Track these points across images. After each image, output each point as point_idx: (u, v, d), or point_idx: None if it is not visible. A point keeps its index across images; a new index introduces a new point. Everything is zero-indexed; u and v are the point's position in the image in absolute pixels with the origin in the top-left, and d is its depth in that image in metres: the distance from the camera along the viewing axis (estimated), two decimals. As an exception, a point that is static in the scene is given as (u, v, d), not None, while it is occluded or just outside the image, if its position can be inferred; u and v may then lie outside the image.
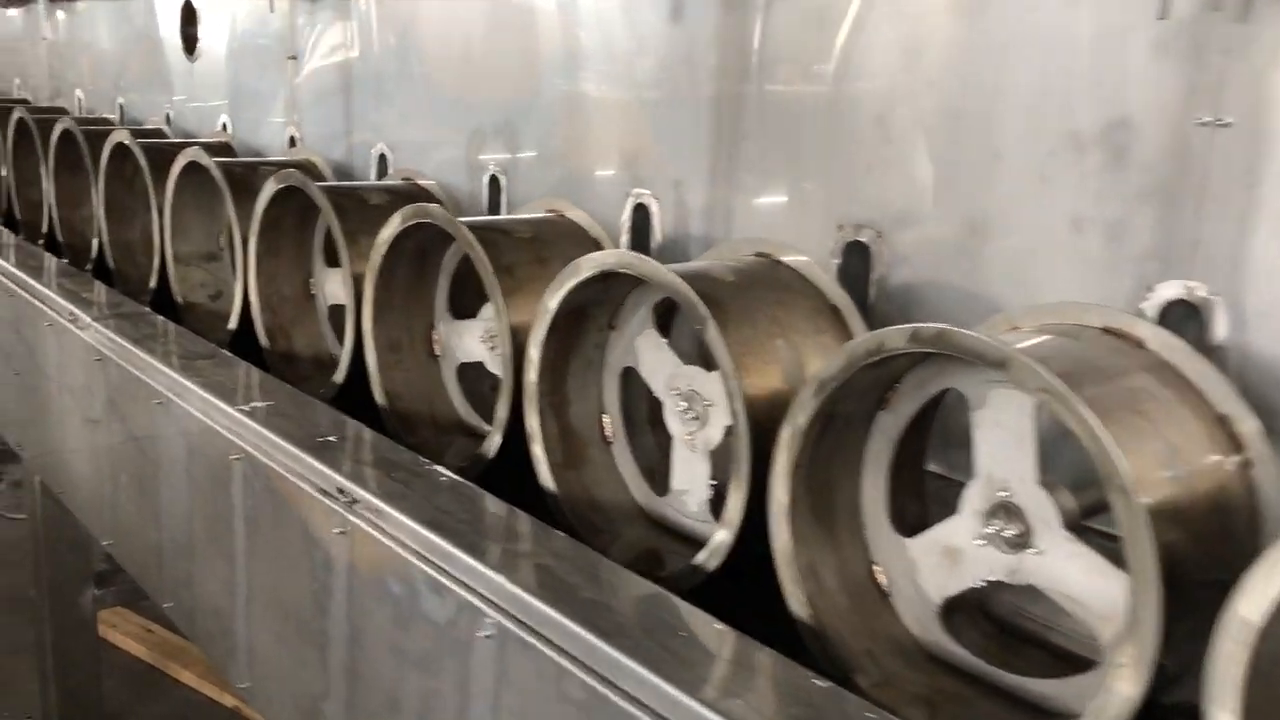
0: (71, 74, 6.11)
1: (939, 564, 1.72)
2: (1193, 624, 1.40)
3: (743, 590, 1.94)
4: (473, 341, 2.69)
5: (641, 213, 2.74)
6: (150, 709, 5.35)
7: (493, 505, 2.05)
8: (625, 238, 2.76)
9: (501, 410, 2.35)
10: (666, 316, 2.35)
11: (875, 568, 1.80)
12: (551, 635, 1.66)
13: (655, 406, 2.31)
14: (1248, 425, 1.60)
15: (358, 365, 2.80)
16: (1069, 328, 1.83)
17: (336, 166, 3.82)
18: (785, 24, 2.37)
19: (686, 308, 2.00)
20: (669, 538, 2.18)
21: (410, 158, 3.54)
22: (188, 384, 2.68)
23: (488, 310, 2.65)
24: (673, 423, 2.15)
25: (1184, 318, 1.79)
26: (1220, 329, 1.75)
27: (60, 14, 6.20)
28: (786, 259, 2.25)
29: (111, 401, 3.16)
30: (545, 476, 2.25)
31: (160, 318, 3.29)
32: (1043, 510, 1.62)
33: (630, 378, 2.34)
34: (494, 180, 3.20)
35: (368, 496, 2.04)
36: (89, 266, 4.26)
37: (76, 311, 3.30)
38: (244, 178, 3.40)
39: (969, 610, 1.78)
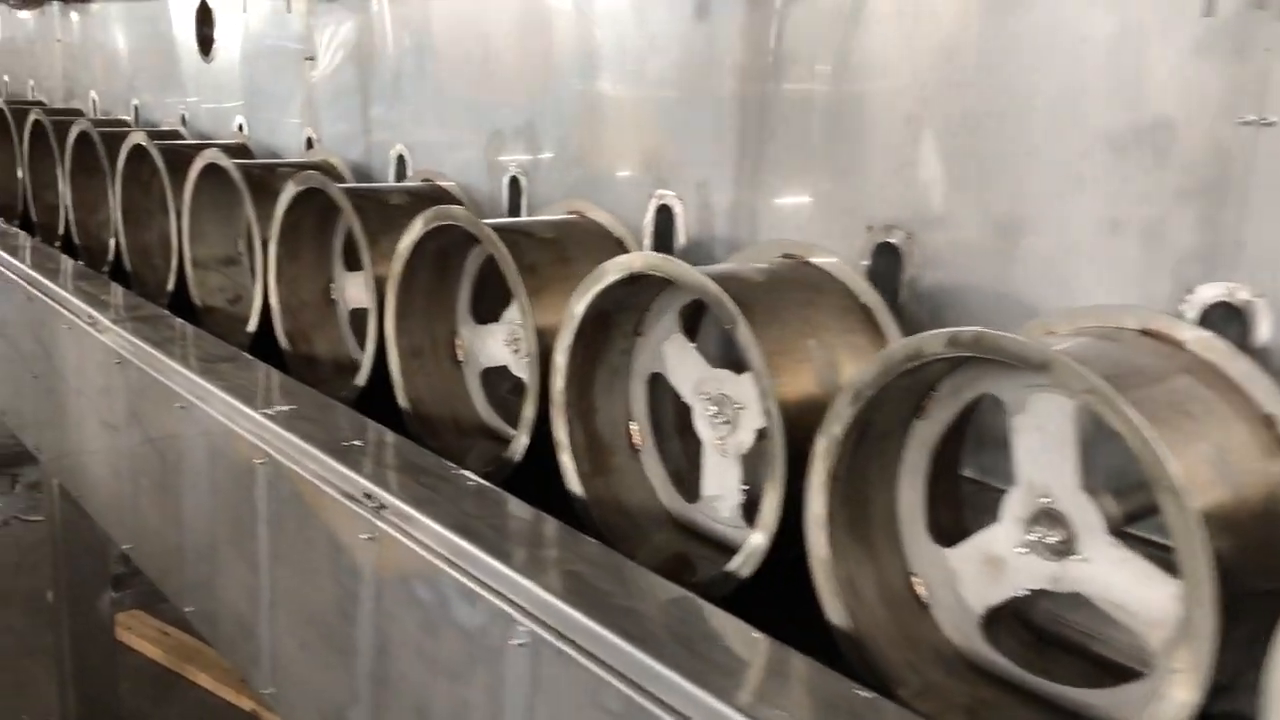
0: (85, 76, 6.11)
1: (980, 573, 1.69)
2: (1242, 632, 1.38)
3: (770, 595, 1.92)
4: (496, 346, 2.67)
5: (665, 214, 2.72)
6: (167, 712, 5.35)
7: (521, 510, 2.03)
8: (648, 240, 2.73)
9: (528, 413, 2.33)
10: (691, 322, 2.33)
11: (914, 579, 1.77)
12: (587, 644, 1.64)
13: (682, 413, 2.29)
14: (1295, 426, 1.58)
15: (379, 368, 2.78)
16: (1107, 330, 1.80)
17: (354, 167, 3.81)
18: (812, 21, 2.34)
19: (716, 308, 1.97)
20: (700, 544, 2.15)
21: (429, 159, 3.52)
22: (210, 387, 2.66)
23: (510, 314, 2.63)
24: (702, 428, 2.13)
25: (1225, 320, 1.76)
26: (1263, 331, 1.71)
27: (74, 16, 6.20)
28: (815, 260, 2.23)
29: (131, 404, 3.15)
30: (574, 485, 2.23)
31: (180, 320, 3.28)
32: (1086, 516, 1.59)
33: (656, 384, 2.32)
34: (514, 181, 3.18)
35: (395, 502, 2.02)
36: (106, 269, 4.25)
37: (95, 314, 3.29)
38: (262, 179, 3.39)
39: (1007, 618, 1.75)
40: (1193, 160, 1.77)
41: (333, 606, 2.25)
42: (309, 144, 4.13)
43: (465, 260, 2.76)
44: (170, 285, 3.77)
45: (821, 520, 1.71)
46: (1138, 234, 1.86)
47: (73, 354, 3.55)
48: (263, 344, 3.25)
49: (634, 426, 2.30)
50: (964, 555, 1.73)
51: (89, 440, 3.57)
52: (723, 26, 2.52)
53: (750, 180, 2.51)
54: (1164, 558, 1.53)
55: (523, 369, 2.56)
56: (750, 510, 2.06)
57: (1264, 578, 1.42)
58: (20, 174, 5.21)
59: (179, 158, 3.79)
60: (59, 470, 4.03)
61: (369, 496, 2.09)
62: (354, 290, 3.20)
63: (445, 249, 2.70)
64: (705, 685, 1.50)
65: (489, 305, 2.76)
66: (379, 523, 2.06)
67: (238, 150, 3.97)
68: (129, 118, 5.48)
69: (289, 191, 3.07)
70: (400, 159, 3.66)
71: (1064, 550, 1.60)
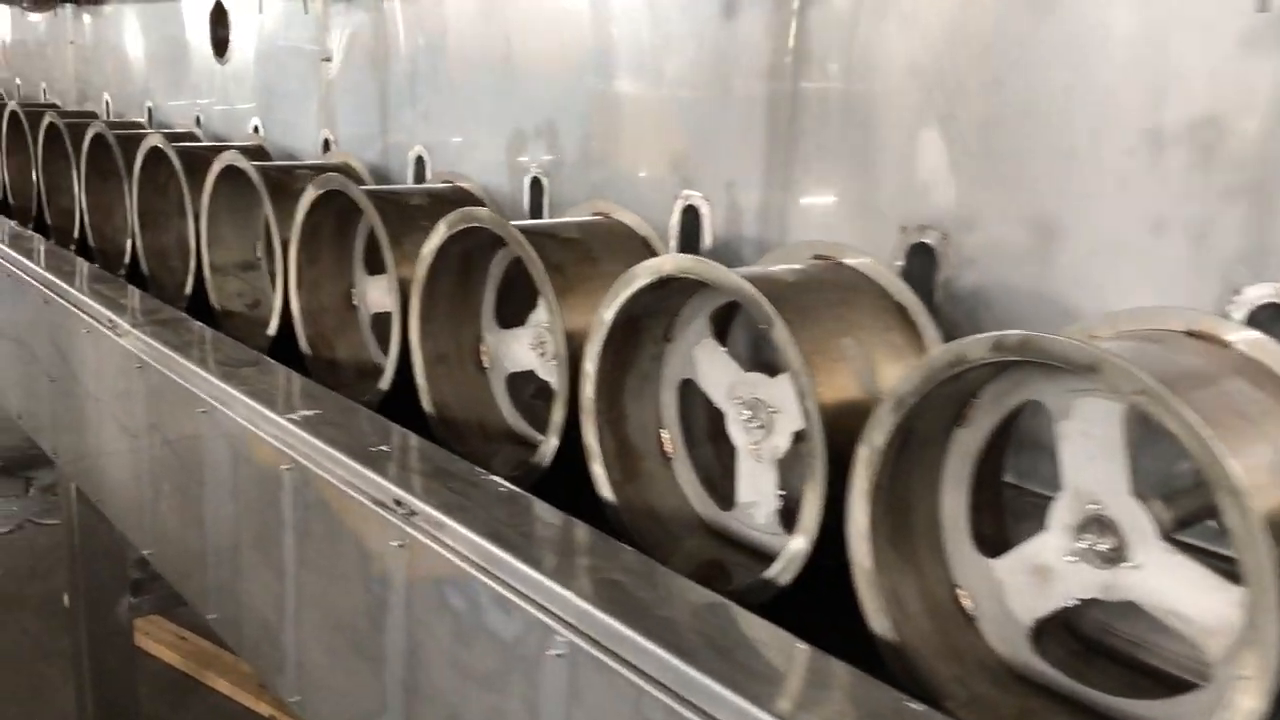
0: (98, 78, 6.09)
1: (1028, 584, 1.65)
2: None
3: (807, 602, 1.89)
4: (522, 350, 2.63)
5: (691, 215, 2.69)
6: (185, 717, 5.33)
7: (554, 517, 2.00)
8: (674, 242, 2.70)
9: (557, 417, 2.30)
10: (720, 327, 2.29)
11: (959, 591, 1.73)
12: (627, 654, 1.61)
13: (714, 419, 2.25)
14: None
15: (402, 372, 2.76)
16: (1151, 333, 1.77)
17: (372, 169, 3.78)
18: (842, 19, 2.31)
19: (752, 308, 1.94)
20: (735, 551, 2.12)
21: (448, 159, 3.50)
22: (233, 392, 2.64)
23: (536, 317, 2.60)
24: (736, 433, 2.09)
25: (1274, 321, 1.73)
26: (1315, 333, 1.68)
27: (86, 18, 6.18)
28: (848, 261, 2.20)
29: (152, 409, 3.12)
30: (605, 492, 2.20)
31: (200, 324, 3.25)
32: (1137, 522, 1.56)
33: (687, 390, 2.29)
34: (536, 182, 3.15)
35: (427, 509, 1.99)
36: (122, 272, 4.23)
37: (115, 318, 3.26)
38: (280, 181, 3.36)
39: (1055, 628, 1.71)
40: (1241, 158, 1.74)
41: (361, 613, 2.22)
42: (326, 145, 4.11)
43: (489, 264, 2.73)
44: (188, 288, 3.75)
45: (865, 531, 1.68)
46: (1182, 234, 1.83)
47: (91, 358, 3.53)
48: (282, 346, 3.23)
49: (665, 434, 2.27)
50: (1011, 566, 1.69)
51: (108, 444, 3.55)
52: (751, 24, 2.49)
53: (780, 180, 2.48)
54: (1219, 564, 1.50)
55: (549, 373, 2.53)
56: (787, 517, 2.03)
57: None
58: (35, 176, 5.18)
59: (196, 160, 3.76)
60: (77, 474, 4.01)
61: (399, 503, 2.06)
62: (375, 294, 3.18)
63: (469, 252, 2.67)
64: (750, 696, 1.47)
65: (513, 309, 2.73)
66: (410, 529, 2.03)
67: (254, 152, 3.95)
68: (143, 120, 5.46)
69: (310, 194, 3.04)
70: (419, 160, 3.63)
71: (1115, 558, 1.56)
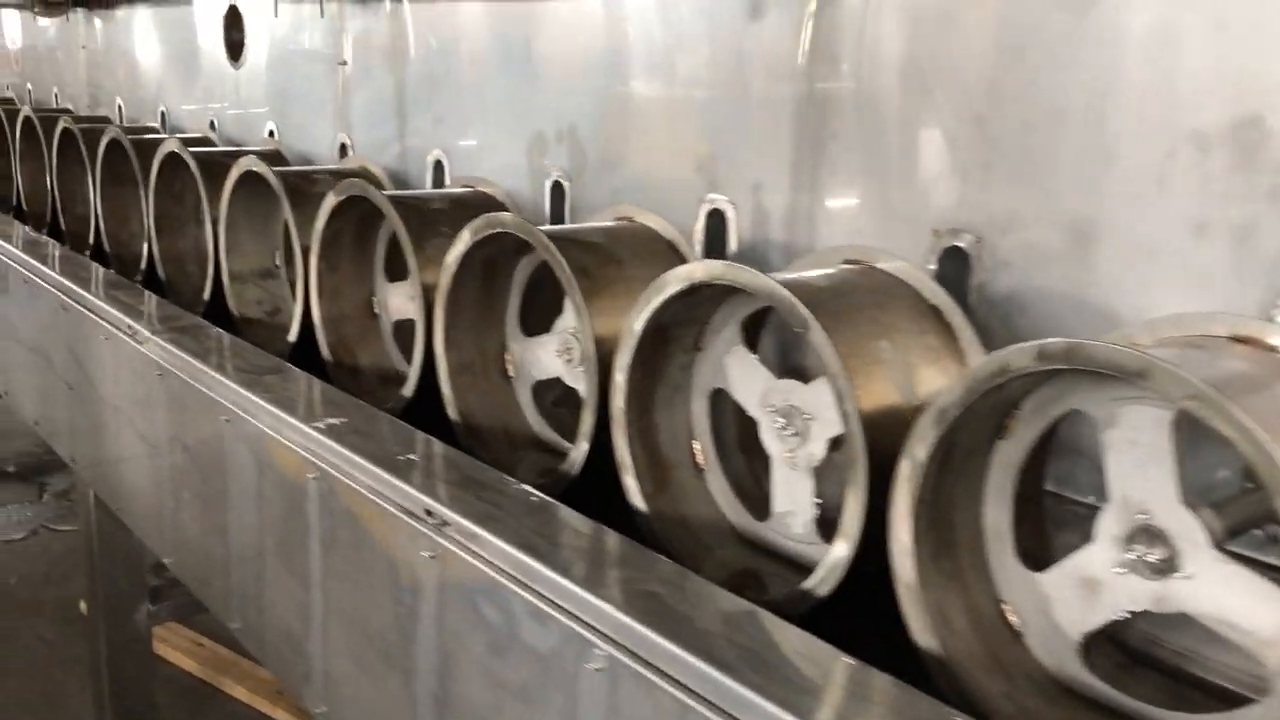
0: (110, 82, 6.08)
1: (1075, 597, 1.62)
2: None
3: (842, 612, 1.87)
4: (548, 357, 2.61)
5: (716, 219, 2.66)
6: (204, 725, 5.33)
7: (587, 527, 1.98)
8: (699, 247, 2.67)
9: (586, 424, 2.27)
10: (749, 335, 2.27)
11: (1004, 606, 1.71)
12: (668, 668, 1.58)
13: (745, 429, 2.23)
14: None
15: (425, 378, 2.74)
16: (1194, 338, 1.74)
17: (390, 173, 3.76)
18: (873, 19, 2.28)
19: (786, 312, 1.91)
20: (771, 562, 2.09)
21: (467, 163, 3.48)
22: (257, 400, 2.62)
23: (562, 323, 2.58)
24: (771, 442, 2.07)
25: (1321, 326, 1.70)
26: (1364, 337, 1.65)
27: (98, 22, 6.17)
28: (880, 265, 2.17)
29: (173, 416, 3.10)
30: (637, 503, 2.17)
31: (220, 331, 3.23)
32: (1189, 531, 1.53)
33: (717, 399, 2.26)
34: (557, 186, 3.12)
35: (459, 519, 1.97)
36: (138, 278, 4.21)
37: (135, 325, 3.25)
38: (299, 187, 3.34)
39: (1100, 640, 1.68)
40: (1287, 159, 1.71)
41: (390, 624, 2.20)
42: (342, 150, 4.09)
43: (513, 270, 2.70)
44: (206, 294, 3.73)
45: (908, 547, 1.65)
46: (1226, 237, 1.80)
47: (111, 364, 3.51)
48: (302, 352, 3.21)
49: (697, 445, 2.24)
50: (1057, 579, 1.66)
51: (127, 451, 3.53)
52: (778, 25, 2.46)
53: (808, 183, 2.45)
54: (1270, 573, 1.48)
55: (576, 379, 2.51)
56: (824, 526, 2.01)
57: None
58: (50, 182, 5.17)
59: (213, 166, 3.75)
60: (95, 481, 3.99)
61: (429, 513, 2.04)
62: (397, 300, 3.15)
63: (493, 259, 2.65)
64: (795, 711, 1.45)
65: (536, 317, 2.71)
66: (441, 540, 2.00)
67: (271, 157, 3.93)
68: (156, 124, 5.44)
69: (331, 200, 3.02)
70: (438, 164, 3.61)
71: (1166, 568, 1.54)
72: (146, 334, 3.17)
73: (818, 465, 2.01)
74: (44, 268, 4.09)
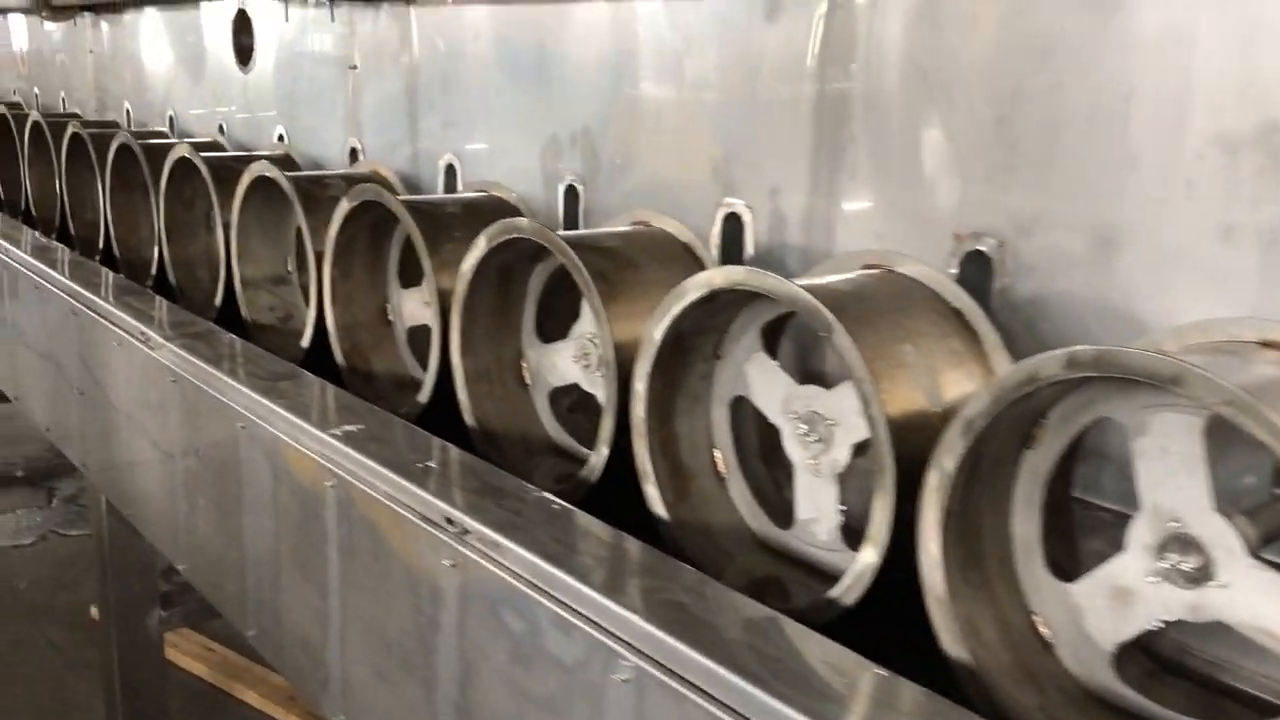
0: (117, 87, 6.07)
1: (1108, 608, 1.61)
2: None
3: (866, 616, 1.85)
4: (565, 363, 2.59)
5: (733, 223, 2.65)
6: (218, 730, 5.32)
7: (609, 536, 1.97)
8: (715, 250, 2.66)
9: (606, 430, 2.26)
10: (767, 342, 2.26)
11: (1035, 617, 1.69)
12: (697, 679, 1.57)
13: (765, 436, 2.22)
14: None
15: (441, 384, 2.72)
16: (1223, 344, 1.73)
17: (401, 177, 3.75)
18: (891, 20, 2.27)
19: (808, 317, 1.90)
20: (795, 570, 2.08)
21: (480, 168, 3.46)
22: (273, 406, 2.60)
23: (579, 329, 2.56)
24: (793, 449, 2.05)
25: (1352, 331, 1.68)
26: (1397, 342, 1.64)
27: (104, 26, 6.16)
28: (901, 269, 2.16)
29: (187, 423, 3.09)
30: (659, 511, 2.16)
31: (234, 336, 3.22)
32: (1223, 538, 1.51)
33: (737, 407, 2.24)
34: (571, 190, 3.11)
35: (480, 528, 1.96)
36: (149, 283, 4.20)
37: (148, 331, 3.23)
38: (311, 192, 3.33)
39: (1131, 649, 1.67)
40: (1317, 163, 1.70)
41: (410, 633, 2.18)
42: (353, 153, 4.08)
43: (529, 277, 2.69)
44: (218, 299, 3.72)
45: (938, 559, 1.63)
46: (1254, 242, 1.78)
47: (123, 370, 3.50)
48: (315, 356, 3.20)
49: (718, 454, 2.22)
50: (1089, 589, 1.64)
51: (139, 457, 3.52)
52: (795, 26, 2.45)
53: (826, 187, 2.44)
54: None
55: (594, 385, 2.50)
56: (849, 533, 1.99)
57: None
58: (59, 187, 5.16)
59: (225, 171, 3.74)
60: (107, 487, 3.98)
61: (451, 522, 2.03)
62: (411, 306, 3.14)
63: (508, 265, 2.63)
64: (828, 724, 1.44)
65: (551, 324, 2.69)
66: (462, 549, 1.99)
67: (282, 161, 3.92)
68: (165, 129, 5.43)
69: (344, 206, 3.01)
70: (450, 168, 3.60)
71: (1201, 577, 1.52)
72: (160, 340, 3.16)
73: (841, 471, 2.00)
74: (55, 273, 4.08)
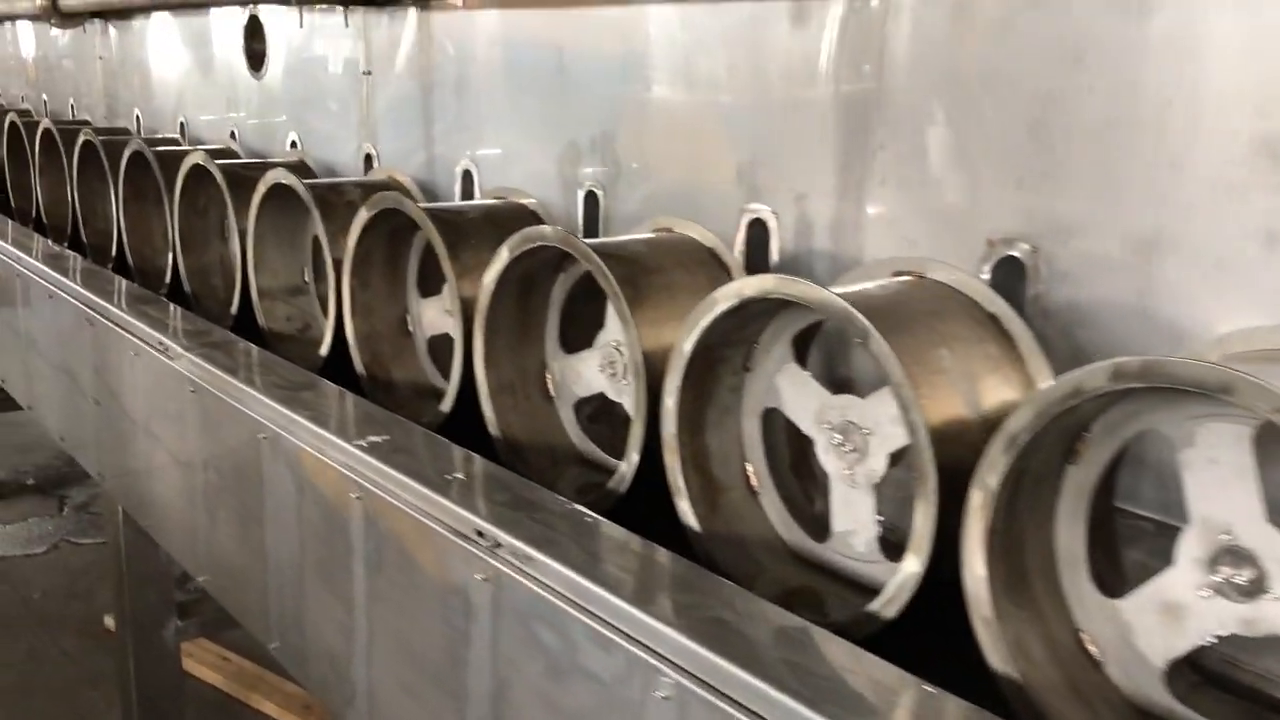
0: (127, 93, 6.05)
1: (1158, 624, 1.57)
2: None
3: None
4: (591, 372, 2.56)
5: (758, 229, 2.62)
6: (233, 740, 5.30)
7: (644, 549, 1.94)
8: (739, 254, 2.63)
9: (635, 437, 2.23)
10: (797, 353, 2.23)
11: (1083, 635, 1.66)
12: (740, 696, 1.54)
13: (796, 448, 2.19)
14: None
15: (463, 392, 2.70)
16: (1268, 352, 1.70)
17: (417, 184, 3.72)
18: (922, 23, 2.24)
19: (843, 323, 1.87)
20: (831, 582, 2.05)
21: (497, 174, 3.44)
22: (295, 417, 2.58)
23: (604, 337, 2.53)
24: (828, 459, 2.02)
25: (1401, 337, 1.66)
26: None
27: (114, 32, 6.14)
28: (932, 275, 2.13)
29: (207, 433, 3.07)
30: (692, 526, 2.13)
31: (253, 346, 3.20)
32: (1277, 550, 1.48)
33: (768, 420, 2.22)
34: (591, 196, 3.08)
35: (513, 541, 1.93)
36: (162, 292, 4.18)
37: (166, 341, 3.21)
38: (328, 200, 3.31)
39: (1180, 666, 1.64)
40: (1365, 167, 1.67)
41: (441, 648, 2.16)
42: (367, 160, 4.06)
43: (551, 287, 2.66)
44: (234, 308, 3.70)
45: (984, 578, 1.60)
46: (1299, 246, 1.76)
47: (141, 380, 3.48)
48: (333, 363, 3.18)
49: (750, 468, 2.20)
50: (1138, 605, 1.61)
51: (158, 468, 3.50)
52: (822, 29, 2.42)
53: (854, 192, 2.41)
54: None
55: (621, 393, 2.47)
56: (887, 543, 1.97)
57: None
58: (70, 195, 5.14)
59: (240, 178, 3.71)
60: (124, 497, 3.96)
61: (482, 535, 2.00)
62: (430, 315, 3.11)
63: (530, 274, 2.60)
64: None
65: (573, 335, 2.67)
66: (494, 562, 1.97)
67: (297, 168, 3.89)
68: (176, 135, 5.41)
69: (364, 215, 2.98)
70: (466, 174, 3.57)
71: (1255, 590, 1.49)
72: (179, 350, 3.14)
73: (878, 481, 1.97)
74: (71, 283, 4.06)
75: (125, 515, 4.07)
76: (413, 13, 3.71)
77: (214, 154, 4.04)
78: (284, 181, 3.36)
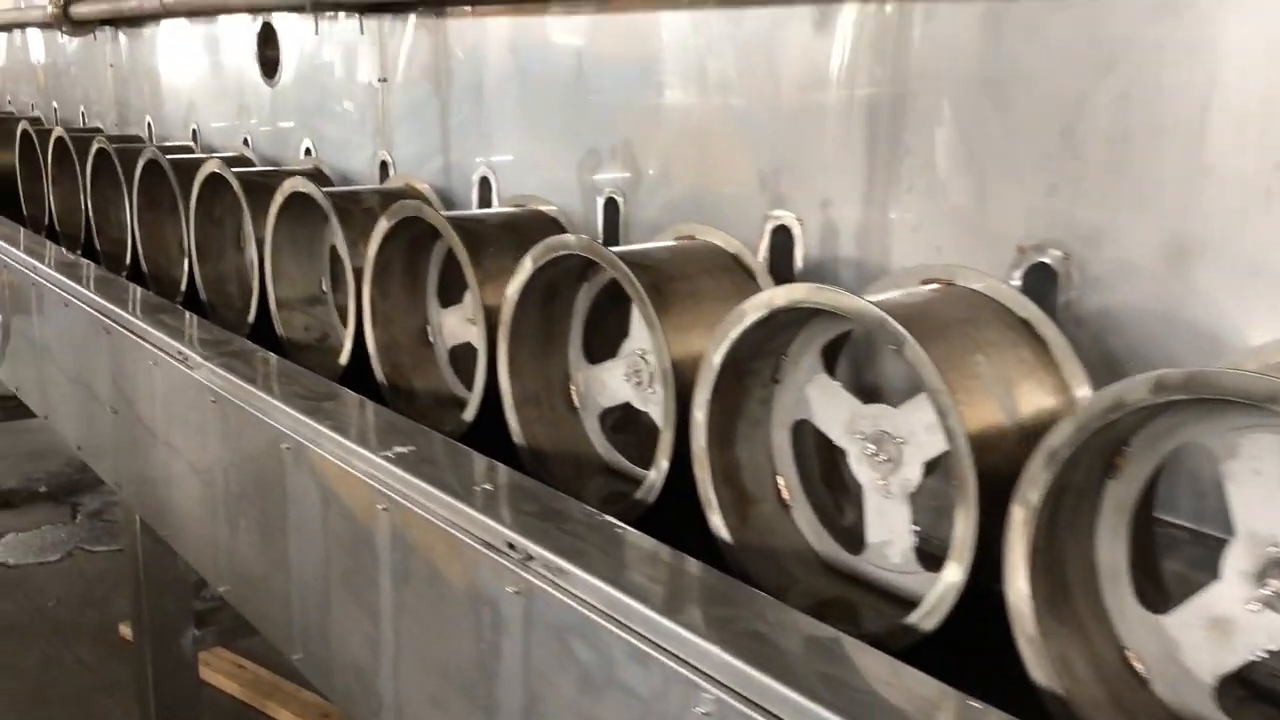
0: (138, 100, 6.05)
1: (1206, 639, 1.55)
2: None
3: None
4: (616, 382, 2.54)
5: (782, 236, 2.61)
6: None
7: (677, 561, 1.92)
8: (762, 257, 2.62)
9: (665, 445, 2.22)
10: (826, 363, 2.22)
11: (1127, 652, 1.64)
12: (784, 713, 1.52)
13: (826, 459, 2.18)
14: None
15: (487, 401, 2.69)
16: (1309, 361, 1.68)
17: (433, 191, 3.71)
18: (950, 27, 2.23)
19: (876, 330, 1.86)
20: (866, 593, 2.03)
21: (515, 181, 3.43)
22: (319, 427, 2.57)
23: (629, 346, 2.52)
24: (861, 470, 2.01)
25: None
26: None
27: (125, 40, 6.14)
28: (963, 282, 2.12)
29: (228, 443, 3.06)
30: (724, 538, 2.12)
31: (273, 355, 3.18)
32: (1327, 563, 1.47)
33: (798, 431, 2.20)
34: (610, 203, 3.07)
35: (545, 553, 1.92)
36: (178, 300, 4.17)
37: (186, 350, 3.20)
38: (346, 208, 3.29)
39: (1228, 680, 1.62)
40: (1407, 173, 1.66)
41: (471, 661, 2.15)
42: (383, 167, 4.04)
43: (575, 297, 2.64)
44: (251, 317, 3.69)
45: (1027, 596, 1.59)
46: (1338, 254, 1.74)
47: (160, 390, 3.47)
48: (353, 372, 3.16)
49: (781, 480, 2.18)
50: (1183, 621, 1.59)
51: (177, 477, 3.49)
52: (849, 33, 2.41)
53: (881, 198, 2.40)
54: None
55: (647, 402, 2.45)
56: (922, 554, 1.95)
57: None
58: (83, 203, 5.13)
59: (256, 186, 3.70)
60: (142, 506, 3.95)
61: (513, 547, 1.99)
62: (452, 325, 3.10)
63: (554, 283, 2.59)
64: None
65: (597, 345, 2.65)
66: (526, 575, 1.95)
67: (313, 176, 3.89)
68: (189, 142, 5.41)
69: (384, 224, 2.97)
70: (484, 181, 3.56)
71: (1307, 602, 1.48)
72: (198, 359, 3.13)
73: (913, 491, 1.95)
74: (87, 291, 4.05)
75: (142, 524, 4.06)
76: (429, 19, 3.70)
77: (229, 162, 4.03)
78: (302, 190, 3.35)
